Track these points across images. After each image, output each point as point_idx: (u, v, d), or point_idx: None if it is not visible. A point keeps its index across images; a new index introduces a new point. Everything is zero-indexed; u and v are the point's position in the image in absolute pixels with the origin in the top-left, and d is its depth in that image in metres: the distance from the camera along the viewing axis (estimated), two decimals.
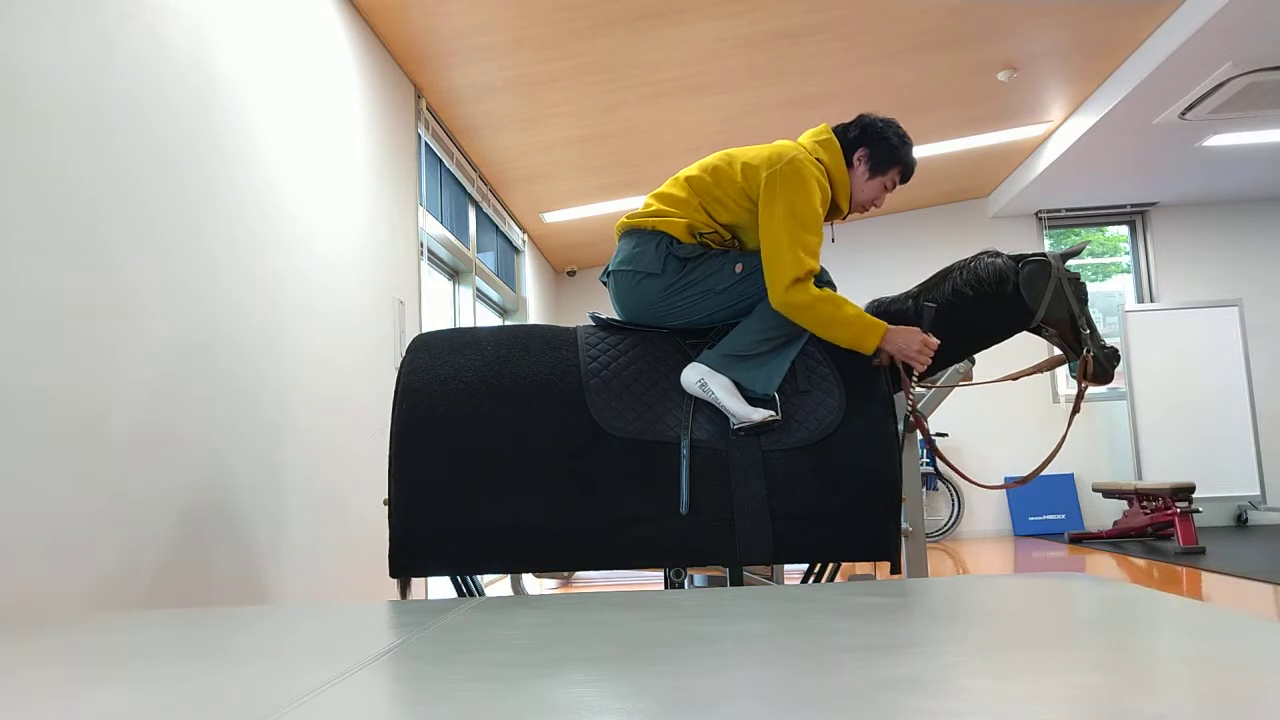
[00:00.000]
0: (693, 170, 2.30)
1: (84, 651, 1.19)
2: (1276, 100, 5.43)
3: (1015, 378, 2.44)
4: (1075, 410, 2.43)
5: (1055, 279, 2.30)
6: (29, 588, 1.75)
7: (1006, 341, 2.47)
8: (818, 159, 2.26)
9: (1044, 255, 2.34)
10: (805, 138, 2.33)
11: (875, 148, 2.30)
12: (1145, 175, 7.04)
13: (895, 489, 2.08)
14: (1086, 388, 2.35)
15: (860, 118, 2.33)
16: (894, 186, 2.35)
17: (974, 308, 2.29)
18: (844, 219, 2.39)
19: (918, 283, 2.43)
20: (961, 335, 2.32)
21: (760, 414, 2.05)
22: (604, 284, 2.35)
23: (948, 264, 2.40)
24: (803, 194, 2.15)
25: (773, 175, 2.17)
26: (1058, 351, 2.43)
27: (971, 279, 2.30)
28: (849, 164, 2.31)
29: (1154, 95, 5.33)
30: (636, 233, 2.27)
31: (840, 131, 2.33)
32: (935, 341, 2.15)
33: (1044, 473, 7.75)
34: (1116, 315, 7.79)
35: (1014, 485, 2.32)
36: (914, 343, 2.13)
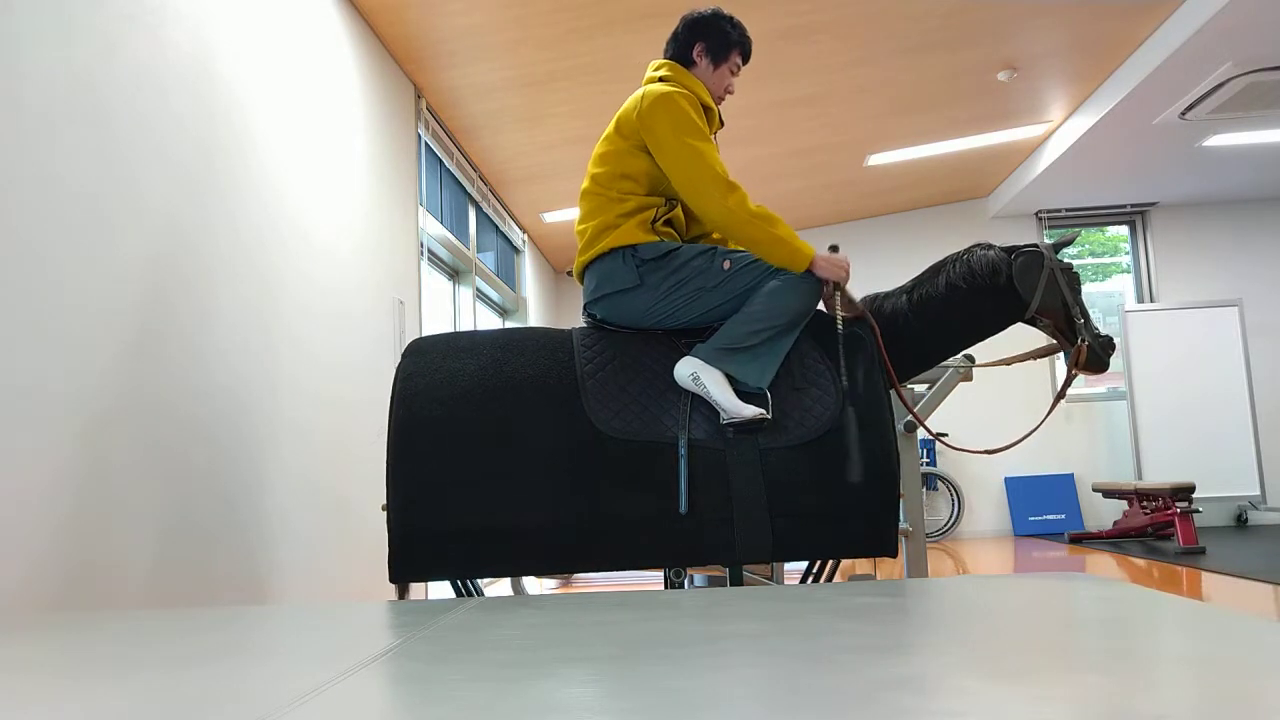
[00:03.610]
0: (586, 179, 2.33)
1: (83, 651, 1.19)
2: (1276, 100, 5.43)
3: (1009, 363, 2.45)
4: (1060, 396, 2.44)
5: (1048, 269, 2.31)
6: (28, 587, 1.75)
7: (1001, 336, 2.47)
8: (662, 78, 2.32)
9: (1036, 246, 2.34)
10: (646, 78, 2.38)
11: (710, 39, 2.36)
12: (1145, 175, 7.04)
13: (893, 484, 2.09)
14: (1075, 375, 2.36)
15: (684, 17, 2.39)
16: (738, 70, 2.41)
17: (968, 301, 2.29)
18: (721, 124, 2.40)
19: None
20: (957, 329, 2.32)
21: (750, 410, 2.05)
22: (588, 318, 2.32)
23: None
24: (674, 110, 2.20)
25: (641, 115, 2.23)
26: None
27: (965, 272, 2.30)
28: (690, 62, 2.37)
29: (1154, 95, 5.33)
30: (596, 262, 2.26)
31: (671, 42, 2.39)
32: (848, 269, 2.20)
33: (1044, 473, 7.76)
34: (1116, 315, 7.79)
35: (993, 451, 2.40)
36: (842, 262, 2.19)
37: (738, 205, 2.14)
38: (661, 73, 2.35)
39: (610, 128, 2.31)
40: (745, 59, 2.41)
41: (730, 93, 2.42)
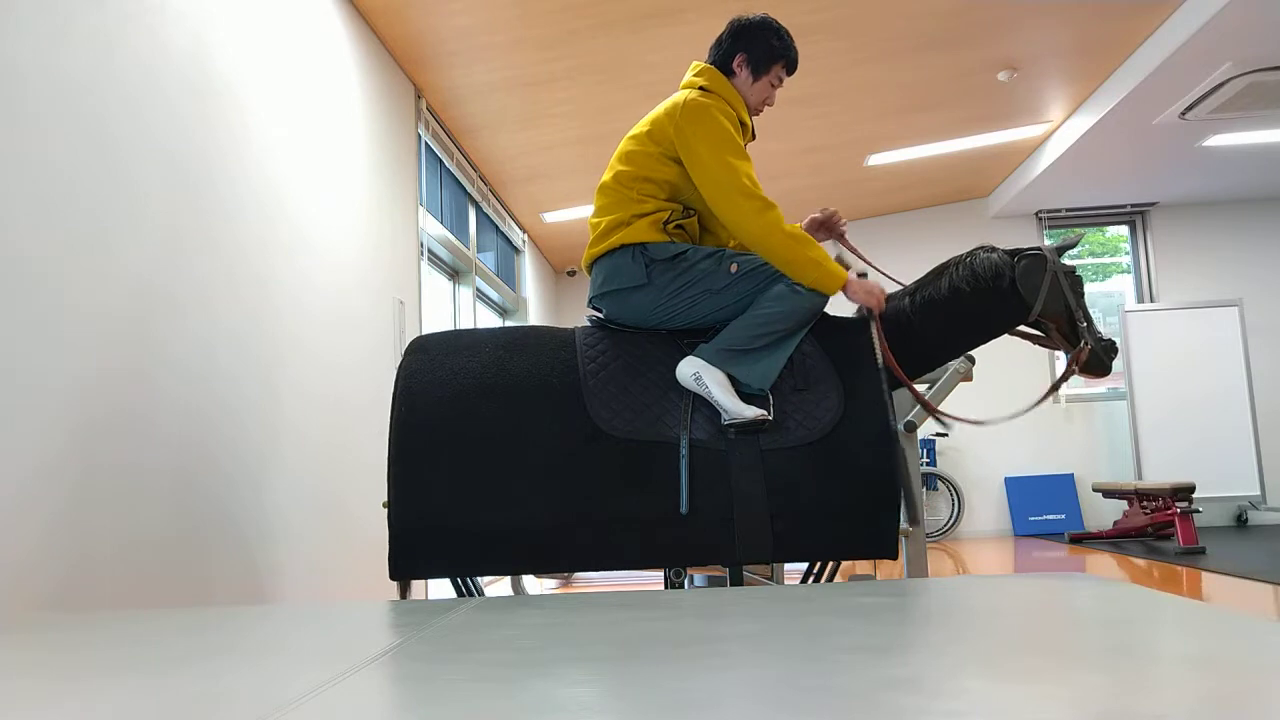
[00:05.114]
0: (608, 174, 2.31)
1: (81, 651, 1.19)
2: (1276, 100, 5.43)
3: (1014, 334, 2.44)
4: (1056, 386, 2.44)
5: (1051, 272, 2.31)
6: (25, 586, 1.75)
7: (1004, 339, 2.47)
8: (701, 88, 2.29)
9: (1039, 249, 2.34)
10: (685, 81, 2.34)
11: (752, 49, 2.31)
12: (1145, 175, 7.04)
13: (894, 486, 2.08)
14: (1074, 372, 2.35)
15: (731, 22, 2.34)
16: (780, 83, 2.37)
17: (971, 303, 2.29)
18: (753, 136, 2.38)
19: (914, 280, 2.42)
20: (959, 331, 2.32)
21: (752, 411, 2.05)
22: (594, 310, 2.32)
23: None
24: (713, 126, 2.18)
25: (679, 127, 2.20)
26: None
27: (968, 275, 2.30)
28: (730, 73, 2.32)
29: (1154, 95, 5.33)
30: (606, 257, 2.25)
31: (715, 47, 2.34)
32: (882, 296, 2.25)
33: (1044, 473, 7.76)
34: (1116, 315, 7.79)
35: (995, 422, 2.42)
36: (875, 291, 2.23)
37: (773, 224, 2.12)
38: (701, 81, 2.30)
39: (642, 128, 2.28)
40: (790, 70, 2.36)
41: (770, 104, 2.37)
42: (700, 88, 2.29)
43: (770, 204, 2.14)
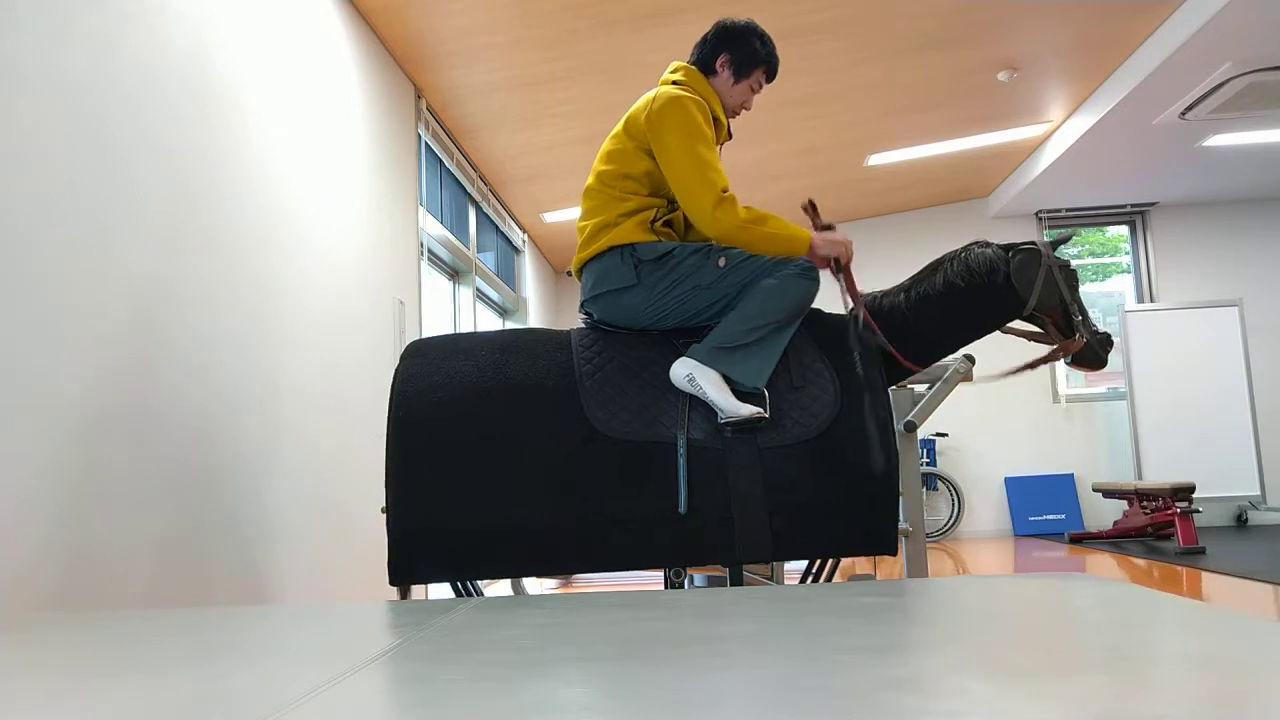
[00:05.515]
0: (591, 176, 2.32)
1: (80, 651, 1.19)
2: (1276, 100, 5.43)
3: (1011, 373, 2.44)
4: (1030, 366, 2.43)
5: (1045, 267, 2.31)
6: (24, 586, 1.75)
7: (1000, 338, 2.47)
8: (675, 83, 2.30)
9: (1033, 244, 2.34)
10: (662, 79, 2.36)
11: (736, 52, 2.33)
12: (1145, 175, 7.04)
13: (892, 483, 2.09)
14: (1060, 355, 2.35)
15: (717, 23, 2.36)
16: (760, 88, 2.39)
17: (966, 298, 2.29)
18: (729, 136, 2.39)
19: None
20: (954, 326, 2.32)
21: (748, 409, 2.04)
22: (585, 315, 2.32)
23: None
24: (684, 117, 2.19)
25: (650, 117, 2.21)
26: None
27: (963, 270, 2.30)
28: (712, 71, 2.34)
29: (1154, 95, 5.33)
30: (594, 260, 2.26)
31: (699, 46, 2.36)
32: (849, 246, 2.24)
33: (1044, 473, 7.76)
34: (1116, 315, 7.79)
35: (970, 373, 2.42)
36: (841, 240, 2.23)
37: (725, 217, 2.14)
38: (677, 76, 2.33)
39: (619, 126, 2.30)
40: (770, 78, 2.38)
41: (747, 108, 2.39)
42: (675, 83, 2.31)
43: (725, 198, 2.15)
